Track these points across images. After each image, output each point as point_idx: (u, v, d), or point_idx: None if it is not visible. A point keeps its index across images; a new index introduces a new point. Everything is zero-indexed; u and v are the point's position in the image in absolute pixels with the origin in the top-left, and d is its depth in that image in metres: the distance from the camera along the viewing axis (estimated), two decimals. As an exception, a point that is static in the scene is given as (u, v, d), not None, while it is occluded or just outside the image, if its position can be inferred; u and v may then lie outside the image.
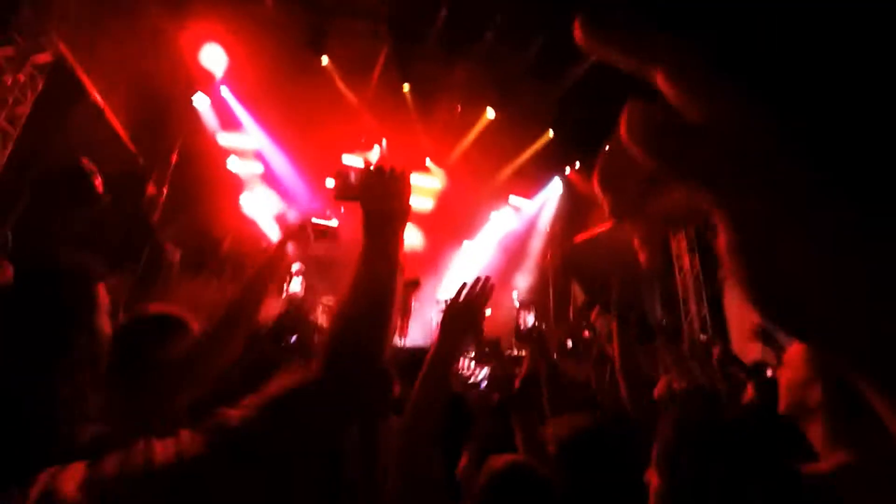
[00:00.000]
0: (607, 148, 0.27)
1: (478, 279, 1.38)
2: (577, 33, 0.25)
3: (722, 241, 0.20)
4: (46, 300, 0.96)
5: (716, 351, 3.31)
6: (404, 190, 0.99)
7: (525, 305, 8.77)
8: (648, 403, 1.89)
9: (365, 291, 0.84)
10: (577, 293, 9.85)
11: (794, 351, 1.12)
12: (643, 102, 0.23)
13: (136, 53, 6.97)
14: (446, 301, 1.36)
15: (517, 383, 1.66)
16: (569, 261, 10.72)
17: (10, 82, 4.71)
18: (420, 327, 8.60)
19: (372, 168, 1.00)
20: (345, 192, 1.07)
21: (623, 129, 0.23)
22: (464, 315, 1.31)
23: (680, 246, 8.13)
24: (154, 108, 7.64)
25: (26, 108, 4.94)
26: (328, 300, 8.01)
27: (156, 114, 7.68)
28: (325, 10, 7.64)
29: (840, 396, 0.95)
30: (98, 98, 6.07)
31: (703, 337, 7.14)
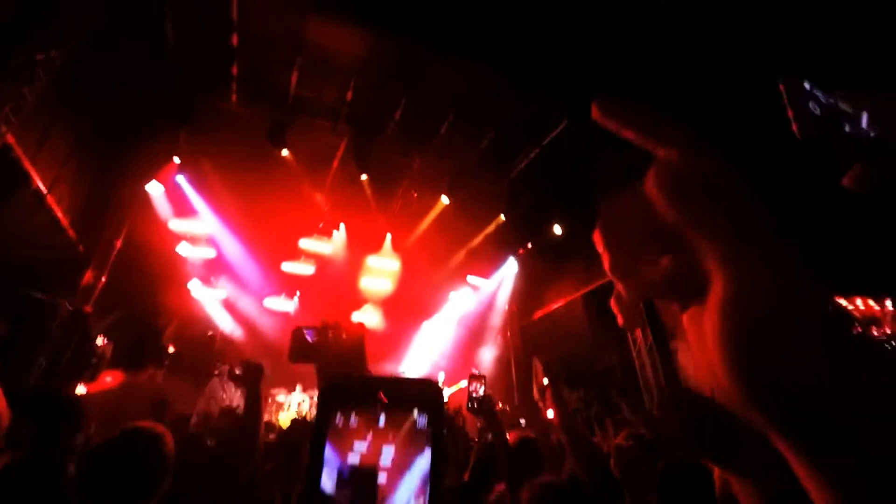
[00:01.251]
0: (606, 208, 0.29)
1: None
2: (597, 110, 0.28)
3: (713, 299, 0.22)
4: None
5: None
6: (360, 346, 1.03)
7: (476, 378, 8.59)
8: (590, 459, 1.92)
9: None
10: (539, 369, 9.77)
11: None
12: (669, 162, 0.25)
13: (89, 144, 6.96)
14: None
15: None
16: (529, 337, 10.80)
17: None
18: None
19: (327, 326, 1.04)
20: (302, 354, 1.09)
21: (651, 183, 0.26)
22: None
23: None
24: (104, 196, 7.47)
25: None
26: (276, 392, 7.49)
27: (106, 202, 7.49)
28: (287, 108, 8.13)
29: None
30: (40, 185, 5.89)
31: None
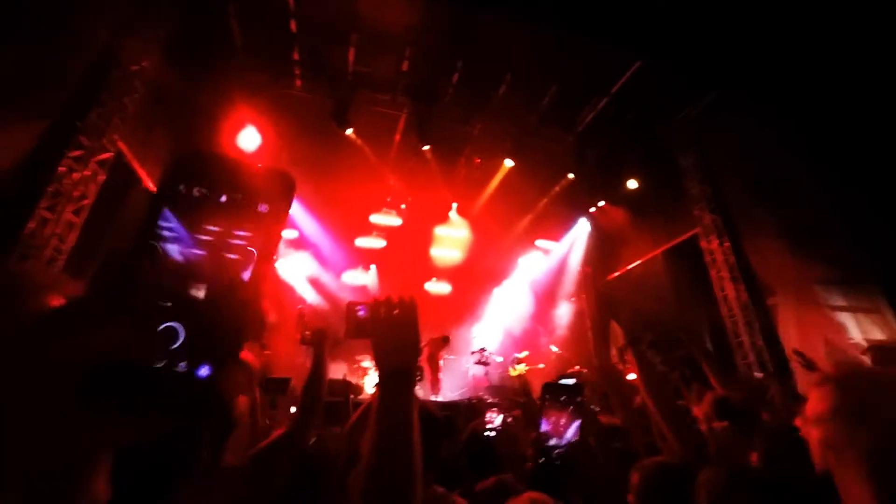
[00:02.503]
0: None
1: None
2: None
3: None
4: None
5: (773, 391, 3.04)
6: (412, 320, 1.00)
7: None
8: (688, 429, 1.77)
9: (385, 448, 0.87)
10: (619, 332, 9.46)
11: (820, 405, 0.90)
12: None
13: (183, 141, 7.72)
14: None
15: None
16: (605, 299, 10.43)
17: (76, 178, 5.30)
18: (454, 380, 8.41)
19: (378, 302, 1.00)
20: (356, 331, 1.08)
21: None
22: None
23: (721, 275, 7.77)
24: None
25: (89, 201, 5.49)
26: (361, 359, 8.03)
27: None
28: (347, 86, 8.31)
29: None
30: (150, 185, 6.71)
31: (758, 375, 6.62)
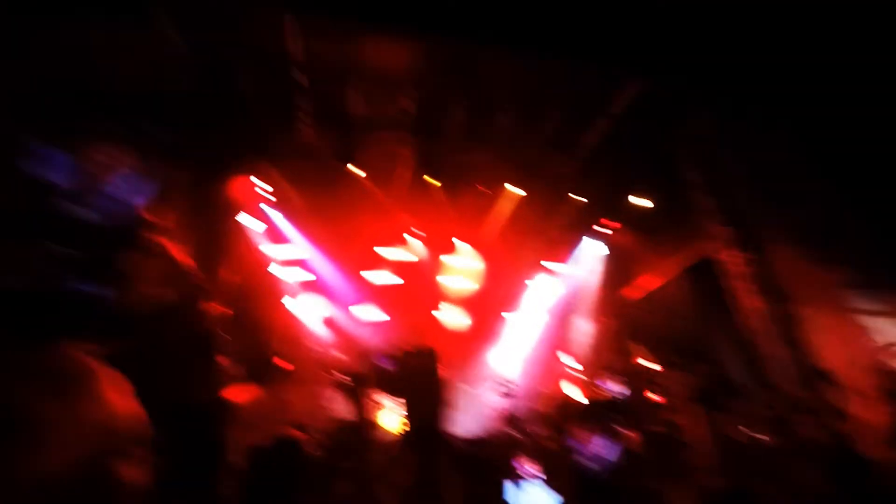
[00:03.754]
0: None
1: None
2: None
3: None
4: None
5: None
6: (432, 380, 1.00)
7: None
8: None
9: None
10: (637, 353, 9.18)
11: None
12: None
13: (193, 197, 7.97)
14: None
15: None
16: (626, 320, 10.20)
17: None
18: (474, 413, 8.17)
19: (403, 359, 1.01)
20: (384, 385, 1.10)
21: None
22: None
23: (743, 286, 7.55)
24: (210, 236, 8.50)
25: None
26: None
27: (213, 241, 8.52)
28: (354, 129, 8.60)
29: None
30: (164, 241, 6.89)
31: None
